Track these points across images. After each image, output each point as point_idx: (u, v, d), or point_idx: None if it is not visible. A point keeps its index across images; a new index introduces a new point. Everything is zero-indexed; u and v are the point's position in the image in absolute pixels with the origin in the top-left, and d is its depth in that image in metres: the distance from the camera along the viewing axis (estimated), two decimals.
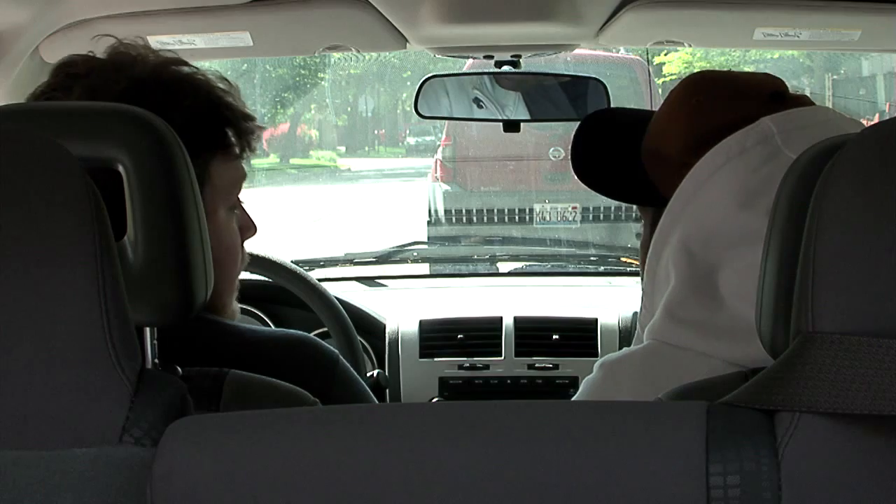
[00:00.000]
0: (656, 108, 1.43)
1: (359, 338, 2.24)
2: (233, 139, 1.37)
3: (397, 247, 3.48)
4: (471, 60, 2.62)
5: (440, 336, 2.53)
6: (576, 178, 1.45)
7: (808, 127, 1.24)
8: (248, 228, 1.44)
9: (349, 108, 15.32)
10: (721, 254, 1.23)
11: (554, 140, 7.19)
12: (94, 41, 1.36)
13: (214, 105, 1.34)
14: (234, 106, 1.37)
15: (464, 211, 7.04)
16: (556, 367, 2.48)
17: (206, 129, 1.32)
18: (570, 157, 1.46)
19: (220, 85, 1.36)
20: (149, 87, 1.28)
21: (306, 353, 1.37)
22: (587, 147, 1.46)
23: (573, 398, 1.44)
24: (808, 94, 1.37)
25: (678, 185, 1.31)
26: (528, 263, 3.42)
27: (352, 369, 1.43)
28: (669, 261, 1.27)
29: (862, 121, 1.34)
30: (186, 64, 1.35)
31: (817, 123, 1.24)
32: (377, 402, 1.64)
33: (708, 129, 1.29)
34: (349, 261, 3.17)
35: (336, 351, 1.41)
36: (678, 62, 11.08)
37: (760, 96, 1.31)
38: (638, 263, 1.48)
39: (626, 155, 1.39)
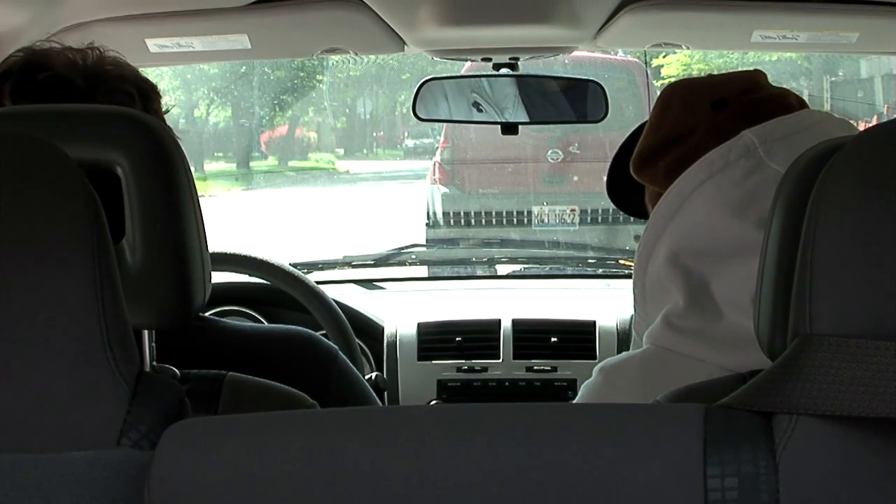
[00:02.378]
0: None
1: (357, 340, 2.24)
2: None
3: (395, 249, 3.48)
4: (469, 63, 2.62)
5: (438, 338, 2.53)
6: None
7: (791, 136, 1.24)
8: None
9: (347, 111, 15.31)
10: (713, 266, 1.24)
11: (552, 142, 7.18)
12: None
13: None
14: None
15: (462, 213, 7.04)
16: (554, 369, 2.48)
17: None
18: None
19: None
20: None
21: (305, 348, 1.37)
22: (619, 176, 1.48)
23: (573, 402, 1.44)
24: (807, 97, 1.38)
25: (642, 202, 1.35)
26: (526, 266, 3.41)
27: (351, 365, 1.43)
28: (662, 275, 1.28)
29: (860, 123, 1.35)
30: None
31: (802, 130, 1.25)
32: (377, 397, 1.64)
33: (653, 144, 1.33)
34: (347, 263, 3.16)
35: (335, 346, 1.41)
36: (677, 64, 11.07)
37: (703, 105, 1.33)
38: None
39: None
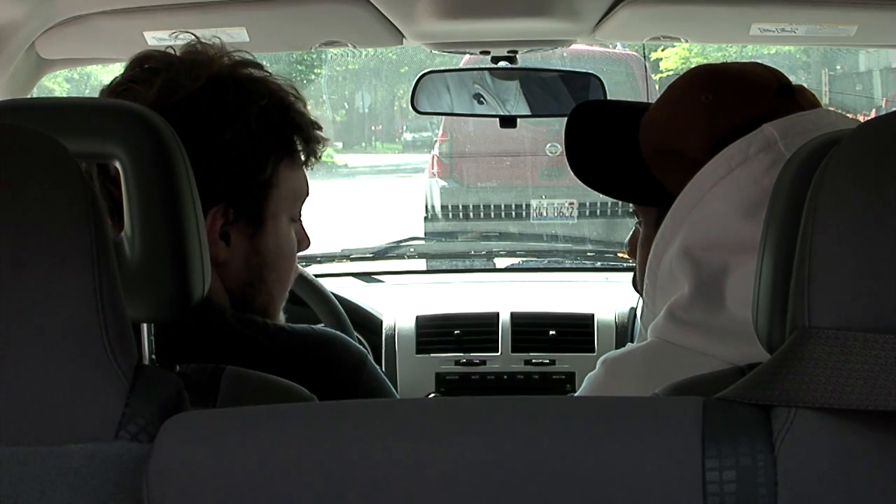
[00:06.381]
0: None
1: (355, 333, 2.23)
2: (299, 146, 1.40)
3: (394, 242, 3.48)
4: (468, 56, 2.62)
5: (437, 332, 2.53)
6: (572, 173, 1.45)
7: (811, 132, 1.23)
8: (303, 240, 1.48)
9: (346, 104, 15.31)
10: (724, 259, 1.24)
11: (550, 136, 7.18)
12: (171, 37, 1.39)
13: (286, 109, 1.38)
14: (303, 112, 1.40)
15: (460, 207, 7.03)
16: (552, 362, 2.48)
17: (277, 132, 1.36)
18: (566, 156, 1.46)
19: (291, 91, 1.39)
20: (227, 86, 1.33)
21: (336, 351, 1.37)
22: (581, 145, 1.46)
23: (576, 394, 1.45)
24: None
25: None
26: (524, 259, 3.42)
27: (379, 369, 1.43)
28: (674, 265, 1.28)
29: (858, 116, 1.35)
30: (260, 67, 1.39)
31: (821, 128, 1.24)
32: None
33: (725, 128, 1.30)
34: (346, 256, 3.17)
35: (364, 351, 1.41)
36: (675, 58, 11.07)
37: (769, 91, 1.32)
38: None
39: (623, 153, 1.39)
